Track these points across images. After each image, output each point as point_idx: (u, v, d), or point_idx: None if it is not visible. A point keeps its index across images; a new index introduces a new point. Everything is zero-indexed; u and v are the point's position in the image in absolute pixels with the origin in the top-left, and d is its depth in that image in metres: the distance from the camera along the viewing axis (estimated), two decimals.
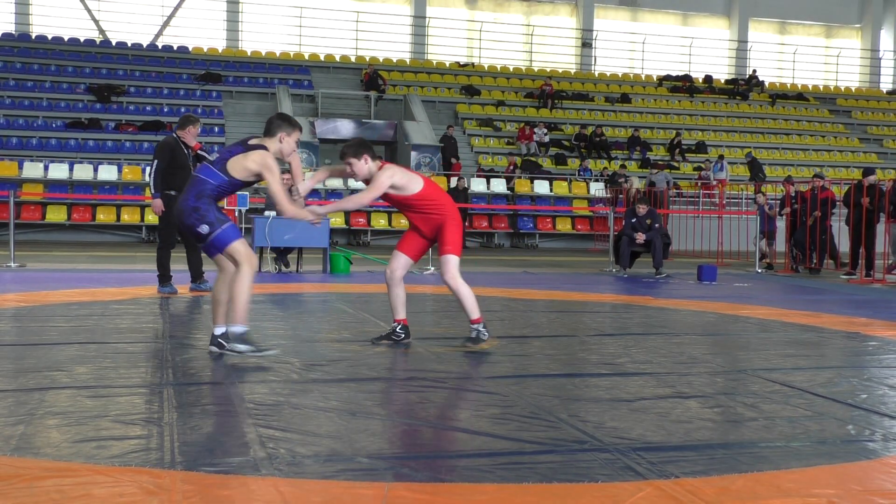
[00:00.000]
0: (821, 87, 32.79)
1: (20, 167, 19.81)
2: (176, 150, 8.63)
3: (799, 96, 31.10)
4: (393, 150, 24.37)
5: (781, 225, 16.05)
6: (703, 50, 32.98)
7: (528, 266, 14.55)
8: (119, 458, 3.30)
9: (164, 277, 8.84)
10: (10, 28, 26.69)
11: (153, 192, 8.60)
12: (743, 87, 30.61)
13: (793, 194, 14.87)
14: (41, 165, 19.97)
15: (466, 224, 20.84)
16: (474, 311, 5.83)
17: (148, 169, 8.66)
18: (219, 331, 5.47)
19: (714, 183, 22.47)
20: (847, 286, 12.06)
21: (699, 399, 4.56)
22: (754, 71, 31.72)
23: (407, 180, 5.75)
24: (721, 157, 24.35)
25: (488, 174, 22.71)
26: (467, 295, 5.79)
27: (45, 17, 27.54)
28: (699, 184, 22.98)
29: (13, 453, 3.32)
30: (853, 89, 33.42)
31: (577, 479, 3.18)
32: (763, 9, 34.09)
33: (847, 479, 3.30)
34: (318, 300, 8.79)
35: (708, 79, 31.00)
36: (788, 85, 32.72)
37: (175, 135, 8.76)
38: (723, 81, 31.38)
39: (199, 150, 8.90)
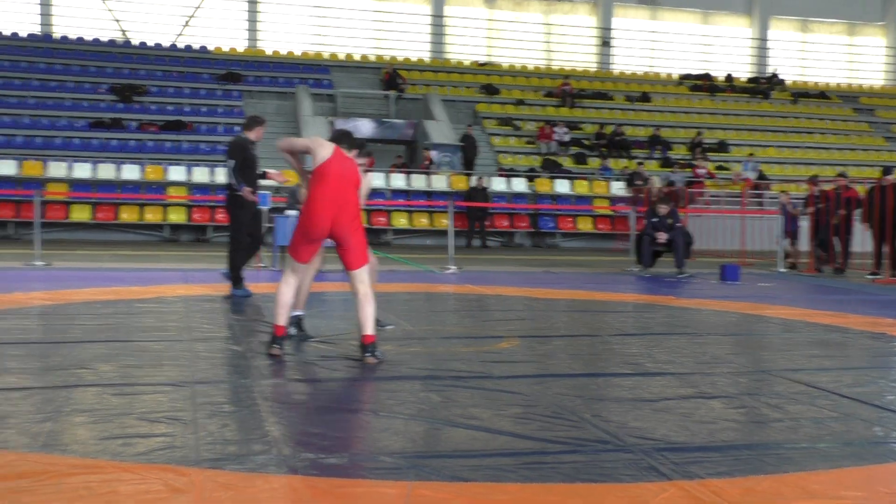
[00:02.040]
0: (843, 86, 32.50)
1: (45, 167, 19.99)
2: (247, 149, 8.68)
3: (821, 95, 30.84)
4: (412, 150, 24.39)
5: (805, 224, 15.92)
6: (724, 48, 32.77)
7: (550, 265, 14.51)
8: (144, 455, 3.32)
9: (238, 280, 8.77)
10: (35, 29, 26.93)
11: (238, 185, 8.64)
12: (764, 85, 30.39)
13: (816, 194, 14.75)
14: (65, 165, 20.14)
15: (487, 223, 20.82)
16: (279, 319, 5.56)
17: (226, 170, 8.71)
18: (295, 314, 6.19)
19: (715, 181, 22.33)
20: (872, 286, 11.95)
21: (723, 399, 4.53)
22: (776, 69, 31.49)
23: (314, 153, 5.50)
24: (751, 155, 24.18)
25: (509, 173, 22.68)
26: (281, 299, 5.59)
27: (67, 18, 27.77)
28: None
29: (41, 450, 3.36)
30: (876, 87, 33.10)
31: (600, 479, 3.18)
32: (784, 7, 33.82)
33: (874, 481, 3.27)
34: (340, 299, 8.80)
35: (729, 77, 30.80)
36: (810, 83, 32.46)
37: (243, 134, 8.80)
38: (744, 80, 31.18)
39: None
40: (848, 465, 3.45)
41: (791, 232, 15.50)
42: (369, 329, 5.42)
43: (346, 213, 5.40)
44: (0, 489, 2.91)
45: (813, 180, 15.36)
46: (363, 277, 5.49)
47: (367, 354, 5.41)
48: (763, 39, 33.09)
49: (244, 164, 8.62)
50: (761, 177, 23.95)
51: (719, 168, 24.61)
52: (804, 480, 3.22)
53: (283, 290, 5.57)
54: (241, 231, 8.78)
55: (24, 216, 18.62)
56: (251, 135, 8.76)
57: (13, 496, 2.85)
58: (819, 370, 5.45)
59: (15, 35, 25.65)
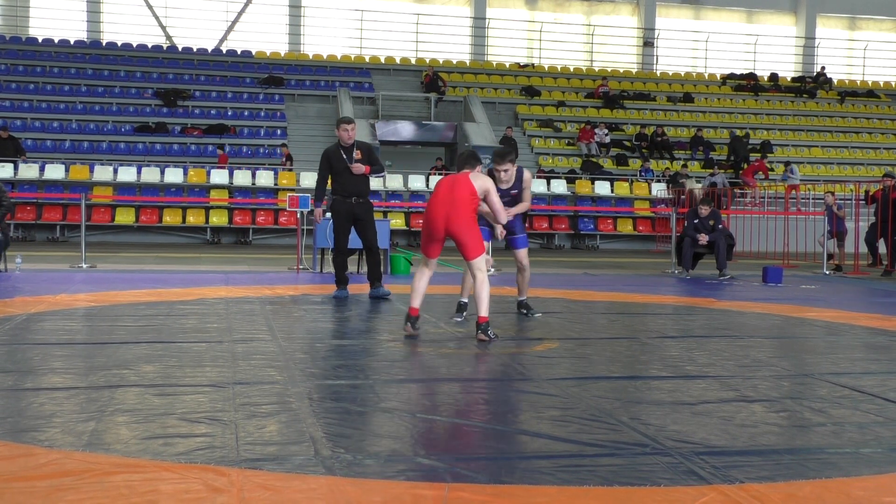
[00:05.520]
0: (892, 84, 31.87)
1: (91, 171, 20.37)
2: (332, 156, 8.63)
3: (869, 93, 30.29)
4: (453, 152, 24.41)
5: (851, 226, 15.64)
6: (769, 48, 32.33)
7: (589, 267, 14.44)
8: (185, 455, 3.37)
9: (340, 281, 8.93)
10: (82, 36, 27.46)
11: (314, 202, 9.03)
12: (810, 84, 29.91)
13: (861, 195, 14.47)
14: (111, 169, 20.51)
15: (526, 225, 20.74)
16: (413, 302, 6.42)
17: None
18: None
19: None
20: None
21: (764, 403, 4.47)
22: (822, 68, 30.99)
23: None
24: (788, 163, 23.61)
25: (549, 175, 22.60)
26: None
27: (115, 25, 28.29)
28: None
29: (84, 449, 3.42)
30: None
31: (638, 482, 3.15)
32: (831, 4, 33.26)
33: None
34: (380, 301, 8.85)
35: (773, 77, 30.37)
36: (858, 82, 31.88)
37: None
38: (789, 79, 30.72)
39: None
40: (893, 470, 3.38)
41: (837, 233, 15.23)
42: (483, 311, 6.18)
43: (456, 212, 6.17)
44: (45, 487, 2.98)
45: (891, 175, 14.69)
46: (479, 265, 6.25)
47: (479, 332, 6.16)
48: (809, 38, 32.57)
49: (333, 171, 8.57)
50: (741, 146, 23.80)
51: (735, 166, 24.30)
52: (847, 486, 3.17)
53: (418, 278, 6.47)
54: (337, 235, 8.85)
55: (70, 219, 19.02)
56: (338, 135, 8.67)
57: (57, 493, 2.90)
58: (864, 374, 5.35)
59: (64, 42, 26.18)
